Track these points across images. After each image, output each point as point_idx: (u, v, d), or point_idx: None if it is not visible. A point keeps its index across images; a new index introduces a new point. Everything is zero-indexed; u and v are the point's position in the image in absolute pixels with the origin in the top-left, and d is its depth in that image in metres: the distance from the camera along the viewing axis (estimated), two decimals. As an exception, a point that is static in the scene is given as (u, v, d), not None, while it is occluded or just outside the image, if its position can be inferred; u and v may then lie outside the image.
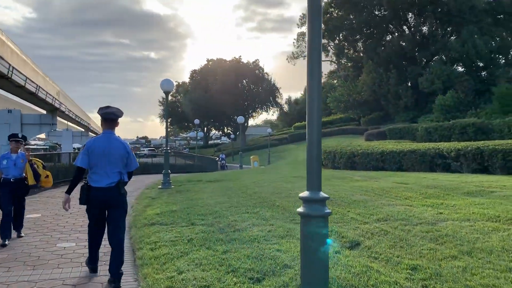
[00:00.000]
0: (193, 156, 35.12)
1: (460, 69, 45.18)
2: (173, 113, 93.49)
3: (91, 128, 61.99)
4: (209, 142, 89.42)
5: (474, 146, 13.93)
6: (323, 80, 79.27)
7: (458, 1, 42.99)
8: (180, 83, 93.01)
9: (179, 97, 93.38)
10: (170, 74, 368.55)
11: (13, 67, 17.04)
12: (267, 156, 42.93)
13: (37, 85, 20.67)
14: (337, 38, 53.01)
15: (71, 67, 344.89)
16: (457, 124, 26.21)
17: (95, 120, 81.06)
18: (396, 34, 50.87)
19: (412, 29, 48.04)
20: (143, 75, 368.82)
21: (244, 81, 59.32)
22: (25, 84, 18.66)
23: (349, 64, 58.62)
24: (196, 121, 37.51)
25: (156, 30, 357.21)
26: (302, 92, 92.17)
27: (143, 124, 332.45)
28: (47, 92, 23.19)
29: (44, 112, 28.27)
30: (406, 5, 46.32)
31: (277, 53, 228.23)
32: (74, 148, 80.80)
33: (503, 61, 47.03)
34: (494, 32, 45.35)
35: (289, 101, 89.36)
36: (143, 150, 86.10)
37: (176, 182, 15.51)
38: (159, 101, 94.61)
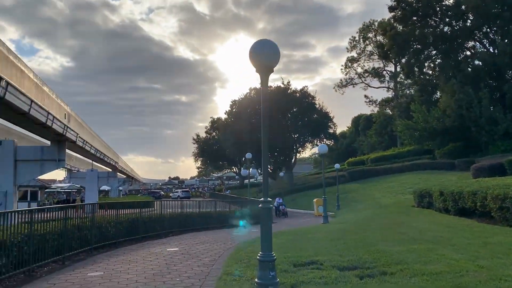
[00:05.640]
0: (245, 201, 26.83)
1: None
2: (208, 151, 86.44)
3: (119, 168, 55.08)
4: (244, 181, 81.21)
5: None
6: (376, 109, 70.92)
7: None
8: (215, 119, 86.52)
9: (214, 133, 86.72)
10: (201, 116, 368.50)
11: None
12: (331, 199, 34.28)
13: (29, 99, 13.22)
14: (406, 55, 44.82)
15: (106, 111, 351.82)
16: None
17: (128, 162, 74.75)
18: (480, 46, 42.42)
19: (505, 39, 39.36)
20: (175, 118, 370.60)
21: (293, 110, 51.43)
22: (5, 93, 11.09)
23: (415, 87, 50.12)
24: (248, 155, 29.55)
25: (186, 75, 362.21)
26: (349, 125, 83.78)
27: (174, 165, 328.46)
28: (48, 112, 15.60)
29: (48, 143, 20.77)
30: (494, 12, 38.04)
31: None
32: (102, 191, 74.35)
33: None
34: None
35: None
36: (177, 192, 78.64)
37: (286, 275, 7.18)
38: (193, 139, 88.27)
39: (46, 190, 45.61)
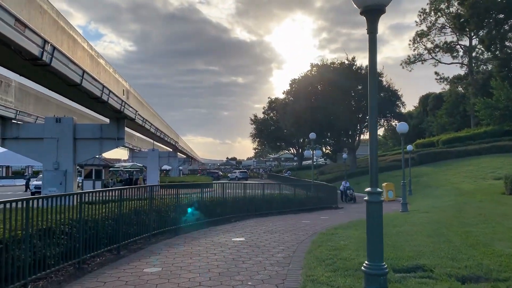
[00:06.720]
0: (308, 184, 25.19)
1: None
2: (265, 132, 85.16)
3: (180, 148, 55.21)
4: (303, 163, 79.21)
5: None
6: (447, 87, 65.84)
7: None
8: (273, 99, 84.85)
9: (271, 114, 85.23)
10: (257, 97, 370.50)
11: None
12: (402, 183, 31.71)
13: (81, 69, 12.23)
14: (486, 26, 40.40)
15: (165, 94, 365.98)
16: None
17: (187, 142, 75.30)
18: None
19: None
20: (231, 99, 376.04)
21: (357, 88, 48.46)
22: (47, 58, 10.07)
23: (494, 61, 45.34)
24: (312, 135, 27.75)
25: (243, 56, 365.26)
26: (416, 105, 78.95)
27: (231, 145, 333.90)
28: (103, 86, 14.69)
29: (107, 120, 20.04)
30: None
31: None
32: (163, 170, 75.59)
33: None
34: None
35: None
36: (235, 172, 78.24)
37: None
38: (251, 120, 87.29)
39: (109, 169, 46.47)
